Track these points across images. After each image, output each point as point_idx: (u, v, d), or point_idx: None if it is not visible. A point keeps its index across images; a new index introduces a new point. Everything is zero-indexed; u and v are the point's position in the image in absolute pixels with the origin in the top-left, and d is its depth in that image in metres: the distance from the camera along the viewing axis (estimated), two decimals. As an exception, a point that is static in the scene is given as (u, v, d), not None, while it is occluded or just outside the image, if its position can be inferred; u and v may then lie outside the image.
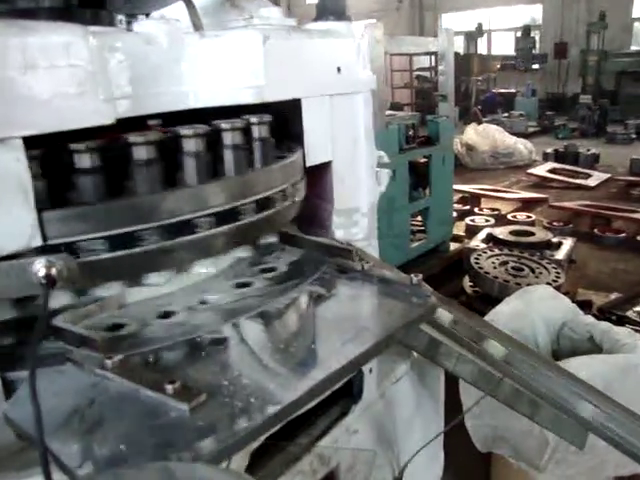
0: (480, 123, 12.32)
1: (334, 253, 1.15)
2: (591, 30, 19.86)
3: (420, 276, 1.07)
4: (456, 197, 8.45)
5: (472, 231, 6.58)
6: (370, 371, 1.09)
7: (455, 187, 8.70)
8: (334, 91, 1.21)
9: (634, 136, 14.68)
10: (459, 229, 6.95)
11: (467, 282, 4.95)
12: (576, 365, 2.45)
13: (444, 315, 1.10)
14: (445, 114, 5.95)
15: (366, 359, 0.92)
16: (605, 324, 2.89)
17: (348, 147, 1.25)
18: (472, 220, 7.17)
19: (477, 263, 4.75)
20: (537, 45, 22.48)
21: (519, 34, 21.99)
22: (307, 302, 1.01)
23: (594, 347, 2.82)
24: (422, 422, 1.17)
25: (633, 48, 21.03)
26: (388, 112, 6.12)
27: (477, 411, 2.73)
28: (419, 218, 5.92)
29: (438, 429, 1.39)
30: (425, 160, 5.65)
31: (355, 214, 1.26)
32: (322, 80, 1.18)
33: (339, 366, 0.85)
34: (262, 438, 0.87)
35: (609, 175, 10.21)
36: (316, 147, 1.19)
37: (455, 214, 7.35)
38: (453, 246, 6.05)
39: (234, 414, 0.76)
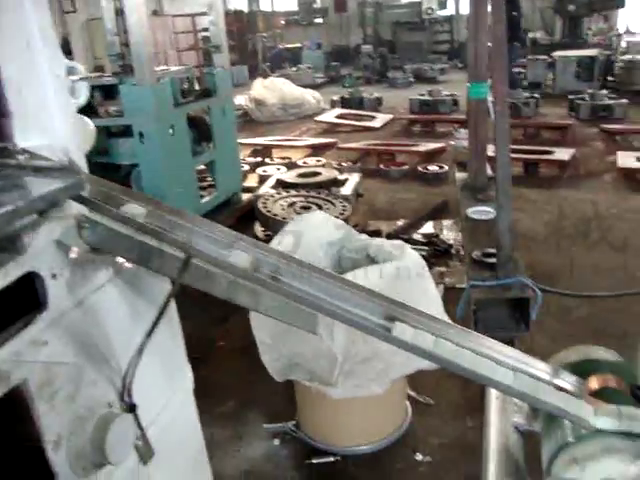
0: (266, 78, 12.37)
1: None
2: (364, -17, 20.81)
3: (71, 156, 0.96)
4: (248, 151, 8.51)
5: (265, 181, 6.59)
6: (54, 277, 0.96)
7: (246, 141, 8.81)
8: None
9: (412, 79, 15.77)
10: (252, 181, 6.95)
11: (258, 227, 4.96)
12: (350, 278, 2.51)
13: (135, 210, 1.01)
14: (220, 65, 5.82)
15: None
16: (378, 240, 3.00)
17: (20, 51, 1.09)
18: (264, 170, 7.19)
19: (265, 207, 4.76)
20: (318, 0, 23.08)
21: (301, -11, 22.39)
22: None
23: (372, 263, 2.91)
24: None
25: (404, 1, 22.31)
26: (161, 67, 5.92)
27: (271, 344, 2.74)
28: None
29: (174, 343, 1.30)
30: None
31: (43, 127, 1.10)
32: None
33: None
34: None
35: (392, 116, 10.81)
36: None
37: (248, 167, 7.40)
38: (246, 197, 6.02)
39: None
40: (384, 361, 2.56)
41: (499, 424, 1.07)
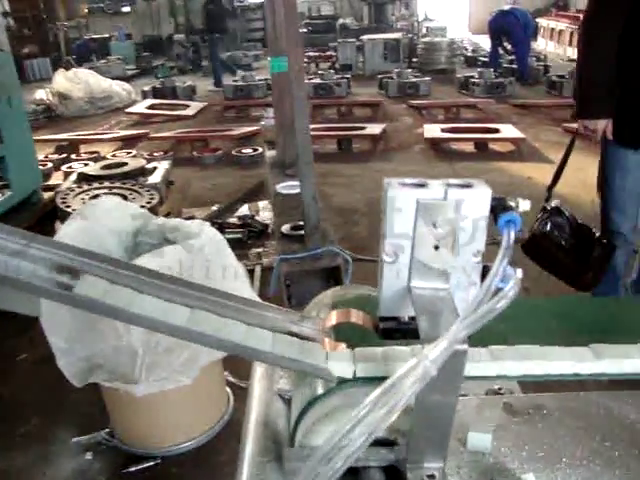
0: (69, 70, 11.50)
1: None
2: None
3: None
4: (52, 148, 7.93)
5: (70, 177, 6.11)
6: None
7: (49, 137, 8.19)
8: None
9: (229, 67, 15.51)
10: (58, 179, 6.43)
11: (60, 225, 4.54)
12: (144, 261, 2.29)
13: None
14: (-6, 48, 5.18)
15: None
16: (175, 220, 2.79)
17: None
18: (69, 167, 6.66)
19: (64, 203, 4.36)
20: (124, -13, 22.00)
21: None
22: None
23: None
24: None
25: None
26: None
27: (66, 347, 2.45)
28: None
29: None
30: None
31: None
32: None
33: None
34: None
35: (206, 103, 10.56)
36: None
37: (51, 165, 6.89)
38: (48, 195, 5.51)
39: None
40: (189, 348, 2.38)
41: (261, 394, 0.92)
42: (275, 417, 0.88)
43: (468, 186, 0.65)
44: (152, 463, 2.69)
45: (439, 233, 0.65)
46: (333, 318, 0.74)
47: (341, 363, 0.70)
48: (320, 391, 0.75)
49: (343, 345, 0.73)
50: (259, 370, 0.98)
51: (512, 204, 0.66)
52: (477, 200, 0.65)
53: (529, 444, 0.80)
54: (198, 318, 0.66)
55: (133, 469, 2.67)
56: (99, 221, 2.67)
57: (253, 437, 0.84)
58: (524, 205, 0.66)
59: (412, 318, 0.70)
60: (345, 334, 0.74)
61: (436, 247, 0.66)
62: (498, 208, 0.65)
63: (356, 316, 0.74)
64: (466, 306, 0.60)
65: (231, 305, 0.69)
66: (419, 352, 0.58)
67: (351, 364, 0.71)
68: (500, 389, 0.95)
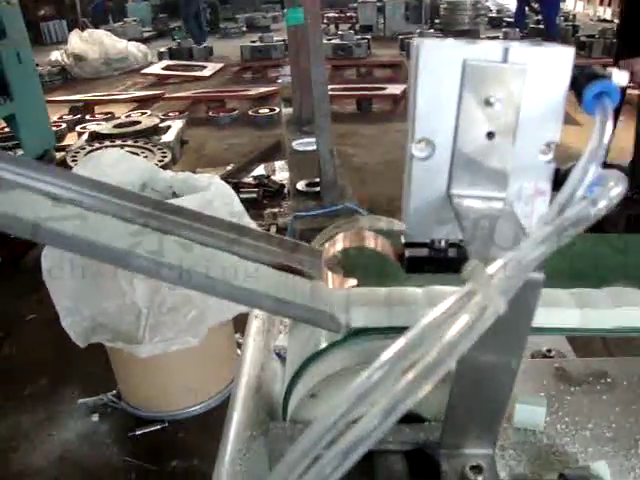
0: (84, 31, 11.28)
1: None
2: None
3: None
4: (66, 109, 7.84)
5: (85, 138, 5.98)
6: None
7: (63, 98, 8.08)
8: None
9: (245, 29, 15.33)
10: (72, 139, 6.31)
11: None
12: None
13: None
14: (3, -1, 4.99)
15: None
16: (184, 174, 2.64)
17: None
18: (84, 127, 6.52)
19: (74, 161, 4.25)
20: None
21: None
22: None
23: (179, 201, 2.57)
24: None
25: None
26: None
27: (71, 306, 2.34)
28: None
29: None
30: None
31: None
32: None
33: None
34: None
35: (223, 64, 10.34)
36: None
37: (65, 125, 6.79)
38: (61, 155, 5.39)
39: None
40: (196, 307, 2.25)
41: (255, 353, 0.77)
42: (270, 381, 0.72)
43: (538, 45, 0.44)
44: (158, 427, 2.61)
45: (495, 113, 0.43)
46: (339, 243, 0.53)
47: (352, 306, 0.51)
48: (322, 345, 0.55)
49: (354, 281, 0.52)
50: (255, 324, 0.82)
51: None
52: (552, 64, 0.43)
53: (593, 421, 0.62)
54: (160, 245, 0.50)
55: (139, 432, 2.59)
56: (103, 174, 2.53)
57: (242, 405, 0.69)
58: (620, 77, 0.42)
59: (451, 244, 0.49)
60: (357, 266, 0.54)
61: (489, 135, 0.44)
62: (583, 78, 0.42)
63: (372, 240, 0.53)
64: (538, 218, 0.39)
65: (206, 230, 0.53)
66: (474, 278, 0.36)
67: (366, 307, 0.51)
68: (549, 351, 0.76)
